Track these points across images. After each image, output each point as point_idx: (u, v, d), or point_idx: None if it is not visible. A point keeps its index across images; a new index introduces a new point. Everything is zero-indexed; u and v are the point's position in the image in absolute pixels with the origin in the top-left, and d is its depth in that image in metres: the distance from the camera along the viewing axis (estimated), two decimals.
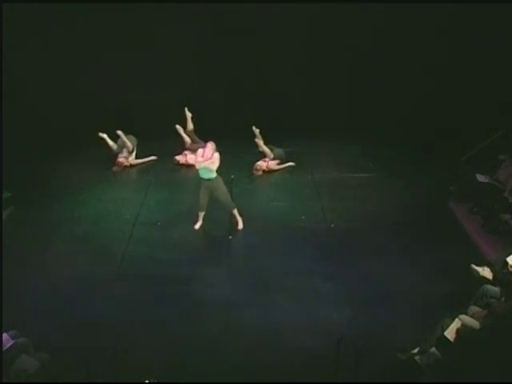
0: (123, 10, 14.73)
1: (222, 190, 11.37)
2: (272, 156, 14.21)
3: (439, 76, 14.96)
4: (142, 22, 14.95)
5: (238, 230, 11.57)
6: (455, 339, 7.62)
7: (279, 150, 14.36)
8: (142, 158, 14.87)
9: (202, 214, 11.57)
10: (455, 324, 7.75)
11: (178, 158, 14.60)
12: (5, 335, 7.61)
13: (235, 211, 11.60)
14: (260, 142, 14.23)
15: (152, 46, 15.30)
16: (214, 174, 11.21)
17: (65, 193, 13.17)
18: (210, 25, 15.18)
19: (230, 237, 11.35)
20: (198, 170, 11.25)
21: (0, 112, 12.81)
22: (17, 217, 12.12)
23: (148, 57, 15.44)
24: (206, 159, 11.12)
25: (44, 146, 14.49)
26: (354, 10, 14.70)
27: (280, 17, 14.98)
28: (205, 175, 11.21)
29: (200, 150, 11.34)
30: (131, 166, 14.69)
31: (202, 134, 14.49)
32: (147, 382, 7.31)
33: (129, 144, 14.53)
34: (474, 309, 8.14)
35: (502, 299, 8.35)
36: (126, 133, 14.57)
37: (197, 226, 11.62)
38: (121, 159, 14.56)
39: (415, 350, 7.92)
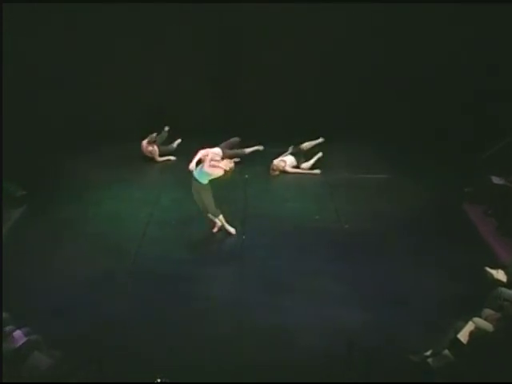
0: (133, 9, 14.77)
1: (207, 196, 11.01)
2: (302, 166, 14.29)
3: (454, 76, 14.88)
4: (157, 18, 15.01)
5: (233, 233, 11.43)
6: (468, 342, 7.58)
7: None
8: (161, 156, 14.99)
9: (211, 216, 11.36)
10: (468, 326, 7.71)
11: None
12: (18, 332, 7.68)
13: (221, 217, 11.30)
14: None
15: (173, 43, 15.38)
16: (207, 181, 10.92)
17: (79, 191, 13.18)
18: (228, 26, 15.26)
19: (244, 236, 11.34)
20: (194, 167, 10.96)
21: (0, 112, 12.79)
22: (31, 215, 12.17)
23: (167, 56, 15.54)
24: (213, 166, 10.84)
25: (59, 145, 14.60)
26: (368, 9, 14.67)
27: (295, 16, 15.01)
28: (199, 176, 10.90)
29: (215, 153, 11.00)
30: (150, 156, 14.83)
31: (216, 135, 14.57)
32: (159, 380, 7.32)
33: (154, 135, 14.73)
34: (487, 311, 8.08)
35: None
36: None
37: (215, 230, 11.47)
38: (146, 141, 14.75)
39: (428, 353, 7.88)
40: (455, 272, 9.96)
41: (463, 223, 11.75)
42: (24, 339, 7.61)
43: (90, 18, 14.76)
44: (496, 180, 11.85)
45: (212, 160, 10.93)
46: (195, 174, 10.94)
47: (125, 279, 10.01)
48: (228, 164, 11.01)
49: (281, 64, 15.49)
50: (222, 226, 11.41)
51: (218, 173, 10.86)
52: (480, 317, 7.95)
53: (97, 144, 14.91)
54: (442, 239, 11.07)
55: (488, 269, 9.61)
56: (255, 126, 14.56)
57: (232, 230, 11.43)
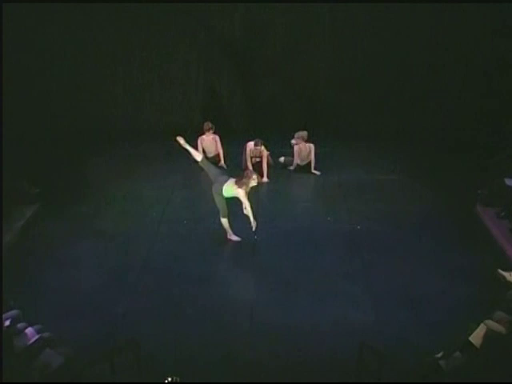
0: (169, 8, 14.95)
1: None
2: None
3: (468, 79, 14.85)
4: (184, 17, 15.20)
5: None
6: (480, 344, 7.55)
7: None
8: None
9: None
10: (480, 329, 7.67)
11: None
12: (30, 329, 7.70)
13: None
14: None
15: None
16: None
17: (91, 189, 13.25)
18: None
19: (256, 236, 11.32)
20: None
21: (0, 110, 12.84)
22: (44, 212, 12.20)
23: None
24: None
25: (72, 144, 14.69)
26: (394, 12, 14.67)
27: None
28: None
29: None
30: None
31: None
32: (169, 379, 7.32)
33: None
34: (499, 314, 8.04)
35: None
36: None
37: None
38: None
39: (439, 354, 7.86)
40: (467, 274, 9.93)
41: (476, 225, 11.70)
42: (36, 336, 7.64)
43: (111, 15, 14.90)
44: (509, 182, 11.82)
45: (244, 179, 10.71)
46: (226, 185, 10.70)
47: (136, 277, 10.03)
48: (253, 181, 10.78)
49: (299, 62, 15.53)
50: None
51: (238, 193, 10.68)
52: (492, 319, 7.92)
53: (109, 143, 14.98)
54: (455, 241, 11.04)
55: (500, 271, 9.58)
56: (269, 124, 14.55)
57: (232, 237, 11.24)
